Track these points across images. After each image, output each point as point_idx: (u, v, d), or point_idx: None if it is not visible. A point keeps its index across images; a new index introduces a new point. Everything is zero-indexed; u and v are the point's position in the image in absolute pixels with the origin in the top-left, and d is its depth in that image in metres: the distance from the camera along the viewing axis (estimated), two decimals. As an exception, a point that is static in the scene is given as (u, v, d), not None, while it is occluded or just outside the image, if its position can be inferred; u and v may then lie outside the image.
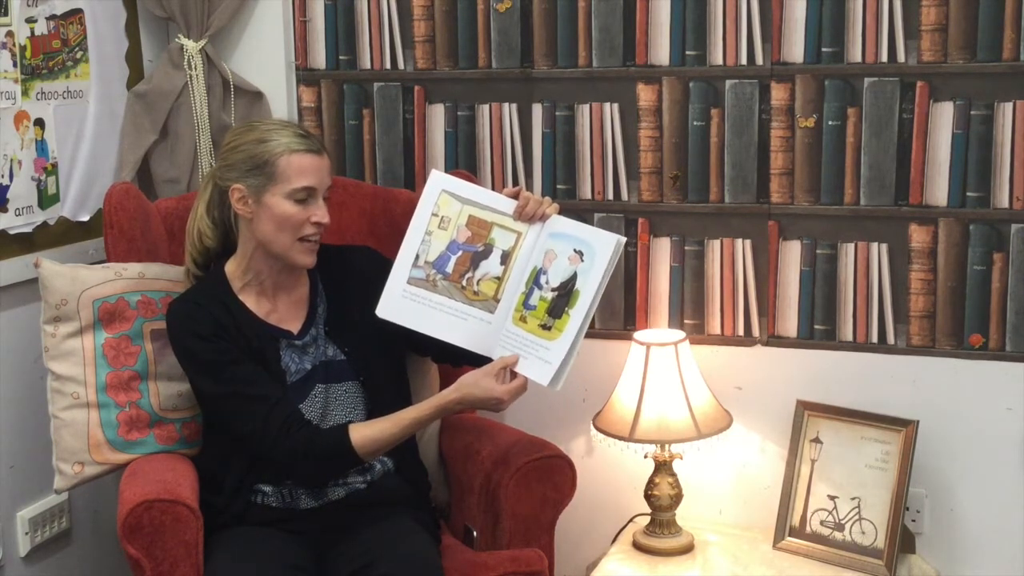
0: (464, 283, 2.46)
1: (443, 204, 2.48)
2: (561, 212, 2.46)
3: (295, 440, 2.39)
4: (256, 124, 2.55)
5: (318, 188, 2.45)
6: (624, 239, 2.39)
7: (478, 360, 2.44)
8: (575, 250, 2.39)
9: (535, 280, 2.41)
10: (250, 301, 2.52)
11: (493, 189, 2.92)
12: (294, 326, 2.54)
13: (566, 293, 2.37)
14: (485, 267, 2.46)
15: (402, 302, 2.47)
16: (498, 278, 2.45)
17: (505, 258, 2.45)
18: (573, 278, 2.38)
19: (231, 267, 2.54)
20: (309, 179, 2.44)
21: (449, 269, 2.47)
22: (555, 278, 2.39)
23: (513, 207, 2.45)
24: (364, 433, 2.40)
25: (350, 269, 2.60)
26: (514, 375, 2.38)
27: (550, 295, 2.39)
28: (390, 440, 2.42)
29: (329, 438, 2.41)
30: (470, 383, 2.39)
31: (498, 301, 2.44)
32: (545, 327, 2.37)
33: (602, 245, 2.37)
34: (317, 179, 2.45)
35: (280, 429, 2.39)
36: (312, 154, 2.45)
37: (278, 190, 2.43)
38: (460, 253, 2.47)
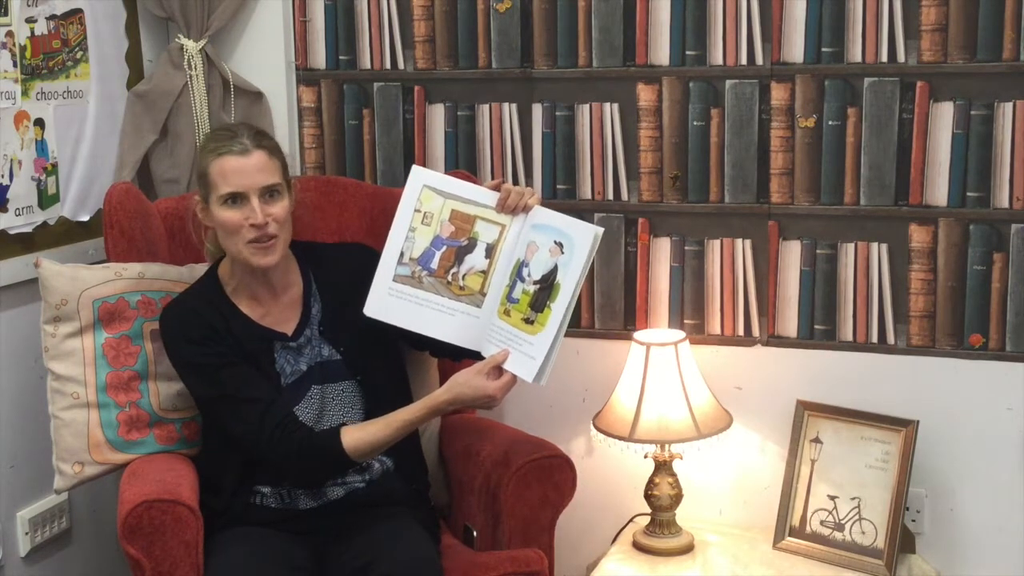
0: (450, 278, 2.45)
1: (425, 200, 2.47)
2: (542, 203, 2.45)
3: (289, 443, 2.39)
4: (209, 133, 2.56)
5: (244, 191, 2.40)
6: (602, 229, 2.37)
7: (478, 354, 2.44)
8: (555, 242, 2.37)
9: (518, 273, 2.39)
10: (243, 304, 2.52)
11: (492, 189, 2.92)
12: (288, 327, 2.53)
13: (548, 286, 2.35)
14: (470, 261, 2.45)
15: (389, 300, 2.46)
16: (484, 272, 2.44)
17: (490, 251, 2.44)
18: (554, 271, 2.35)
19: (223, 270, 2.55)
20: (231, 183, 2.40)
21: (434, 265, 2.46)
22: (537, 271, 2.37)
23: (495, 199, 2.45)
24: (356, 436, 2.41)
25: (343, 268, 2.59)
26: (502, 370, 2.38)
27: (532, 288, 2.37)
28: (383, 442, 2.42)
29: (322, 441, 2.41)
30: (461, 382, 2.39)
31: (485, 295, 2.43)
32: (528, 321, 2.36)
33: (581, 237, 2.35)
34: (239, 181, 2.40)
35: (274, 432, 2.39)
36: (234, 156, 2.41)
37: (214, 197, 2.43)
38: (444, 248, 2.46)
